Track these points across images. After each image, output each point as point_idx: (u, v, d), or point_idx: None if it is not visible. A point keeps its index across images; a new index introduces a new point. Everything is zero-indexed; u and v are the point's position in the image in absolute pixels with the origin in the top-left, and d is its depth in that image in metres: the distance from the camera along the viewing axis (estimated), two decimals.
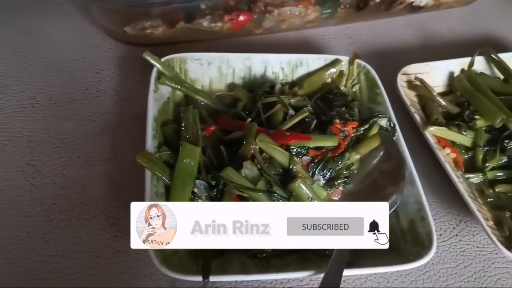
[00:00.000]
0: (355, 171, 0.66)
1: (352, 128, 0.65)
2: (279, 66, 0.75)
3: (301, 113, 0.64)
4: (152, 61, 0.67)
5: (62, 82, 0.73)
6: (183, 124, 0.64)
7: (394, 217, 0.62)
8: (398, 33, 0.93)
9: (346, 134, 0.65)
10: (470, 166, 0.71)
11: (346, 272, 0.52)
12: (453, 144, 0.71)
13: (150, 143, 0.60)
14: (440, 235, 0.65)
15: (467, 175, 0.68)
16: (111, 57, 0.78)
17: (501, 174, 0.69)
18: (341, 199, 0.63)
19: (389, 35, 0.92)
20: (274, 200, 0.56)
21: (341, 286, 0.56)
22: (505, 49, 0.94)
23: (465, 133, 0.71)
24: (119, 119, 0.70)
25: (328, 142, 0.62)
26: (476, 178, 0.68)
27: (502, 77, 0.81)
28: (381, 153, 0.67)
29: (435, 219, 0.66)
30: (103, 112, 0.70)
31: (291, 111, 0.66)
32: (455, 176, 0.64)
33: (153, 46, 0.78)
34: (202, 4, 0.75)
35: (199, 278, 0.50)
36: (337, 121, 0.65)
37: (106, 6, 0.70)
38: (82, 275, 0.55)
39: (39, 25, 0.81)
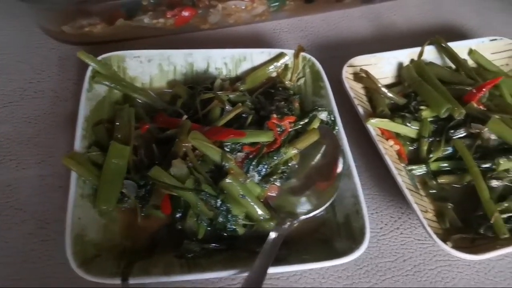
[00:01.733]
0: (296, 166, 0.65)
1: (290, 122, 0.64)
2: (222, 61, 0.73)
3: (235, 108, 0.63)
4: (86, 60, 0.66)
5: None
6: (116, 124, 0.63)
7: (331, 211, 0.61)
8: (352, 25, 0.92)
9: (283, 129, 0.63)
10: (415, 158, 0.70)
11: (273, 270, 0.51)
12: (397, 136, 0.70)
13: (79, 144, 0.59)
14: (381, 228, 0.64)
15: (410, 167, 0.67)
16: (52, 57, 0.77)
17: (446, 165, 0.68)
18: (279, 195, 0.62)
19: (342, 27, 0.91)
20: (202, 199, 0.55)
21: (276, 283, 0.57)
22: (463, 38, 0.92)
23: (409, 124, 0.70)
24: (57, 120, 0.69)
25: (263, 138, 0.61)
26: (419, 170, 0.67)
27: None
28: (324, 147, 0.66)
29: (377, 213, 0.65)
30: (40, 113, 0.69)
31: (228, 107, 0.65)
32: (394, 168, 0.63)
33: (95, 44, 0.77)
34: (144, 1, 0.74)
35: (118, 281, 0.49)
36: (274, 116, 0.64)
37: (41, 6, 0.68)
38: (8, 280, 0.54)
39: None
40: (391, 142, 0.68)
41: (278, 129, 0.63)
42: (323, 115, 0.67)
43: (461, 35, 0.94)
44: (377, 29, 0.92)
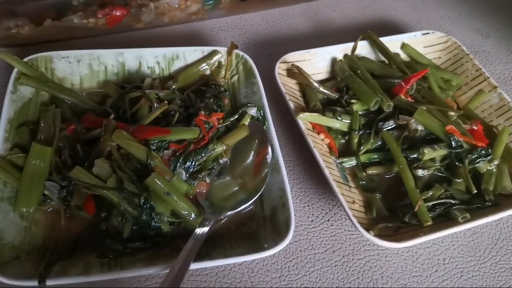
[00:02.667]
0: (228, 162, 0.65)
1: (218, 119, 0.64)
2: (154, 60, 0.73)
3: (161, 106, 0.63)
4: (10, 62, 0.65)
5: None
6: (40, 125, 0.62)
7: (259, 205, 0.62)
8: (291, 22, 0.92)
9: (211, 125, 0.64)
10: (347, 151, 0.71)
11: (194, 266, 0.51)
12: (329, 130, 0.71)
13: (0, 146, 0.58)
14: (312, 221, 0.65)
15: (340, 160, 0.68)
16: None
17: (375, 156, 0.69)
18: (209, 191, 0.62)
19: (281, 24, 0.92)
20: (125, 197, 0.55)
21: (205, 279, 0.56)
22: (400, 32, 0.94)
23: (340, 118, 0.71)
24: None
25: (188, 135, 0.61)
26: (349, 162, 0.68)
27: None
28: (255, 142, 0.66)
29: (308, 206, 0.66)
30: None
31: (156, 105, 0.65)
32: (322, 161, 0.63)
33: (25, 46, 0.75)
34: (74, 1, 0.73)
35: (35, 283, 0.48)
36: (202, 112, 0.64)
37: None
38: None
39: None
40: (322, 136, 0.69)
41: (206, 125, 0.63)
42: (252, 111, 0.67)
43: (398, 30, 0.96)
44: (315, 26, 0.93)
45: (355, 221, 0.57)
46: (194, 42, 0.85)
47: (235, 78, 0.75)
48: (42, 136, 0.61)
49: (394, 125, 0.70)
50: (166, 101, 0.64)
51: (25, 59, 0.67)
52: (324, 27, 0.93)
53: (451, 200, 0.63)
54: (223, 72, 0.75)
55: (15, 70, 0.65)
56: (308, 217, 0.65)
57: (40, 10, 0.72)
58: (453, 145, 0.66)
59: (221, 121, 0.65)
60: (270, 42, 0.88)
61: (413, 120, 0.68)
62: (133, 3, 0.76)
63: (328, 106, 0.73)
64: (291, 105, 0.70)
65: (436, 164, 0.67)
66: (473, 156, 0.66)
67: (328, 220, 0.65)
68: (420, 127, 0.68)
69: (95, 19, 0.75)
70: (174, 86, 0.70)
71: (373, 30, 0.83)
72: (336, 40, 0.83)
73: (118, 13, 0.76)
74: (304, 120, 0.68)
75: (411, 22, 0.98)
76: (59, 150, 0.60)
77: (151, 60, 0.73)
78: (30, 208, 0.55)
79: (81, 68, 0.70)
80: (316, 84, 0.73)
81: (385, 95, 0.71)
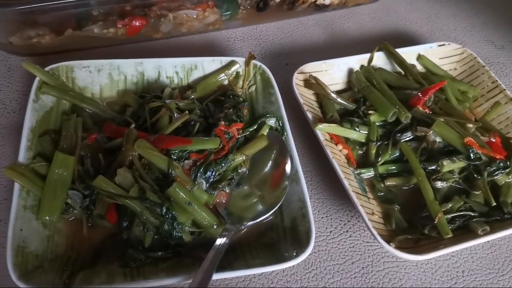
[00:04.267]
0: (246, 172, 0.65)
1: (237, 129, 0.65)
2: (173, 70, 0.74)
3: (182, 116, 0.64)
4: (32, 71, 0.66)
5: None
6: (62, 134, 0.63)
7: (278, 215, 0.62)
8: (306, 32, 0.93)
9: (231, 135, 0.64)
10: (364, 162, 0.71)
11: (217, 276, 0.51)
12: (347, 141, 0.71)
13: (23, 155, 0.59)
14: (330, 232, 0.65)
15: (358, 171, 0.68)
16: (1, 68, 0.76)
17: (393, 167, 0.69)
18: (228, 201, 0.62)
19: (296, 34, 0.92)
20: (147, 207, 0.55)
21: None
22: (414, 43, 0.95)
23: (358, 129, 0.71)
24: (4, 131, 0.68)
25: (209, 145, 0.61)
26: (367, 173, 0.68)
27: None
28: (273, 153, 0.67)
29: (327, 216, 0.66)
30: None
31: (176, 115, 0.65)
32: (341, 172, 0.63)
33: (45, 55, 0.76)
34: (94, 11, 0.74)
35: None
36: (222, 123, 0.64)
37: None
38: None
39: None
40: (340, 147, 0.69)
41: (226, 136, 0.63)
42: (271, 121, 0.68)
43: (413, 41, 0.96)
44: (330, 36, 0.94)
45: (375, 233, 0.58)
46: (211, 52, 0.85)
47: (253, 88, 0.75)
48: (64, 145, 0.61)
49: (411, 137, 0.70)
50: (187, 111, 0.65)
51: (47, 68, 0.67)
52: (339, 38, 0.94)
53: (470, 213, 0.63)
54: (241, 82, 0.75)
55: (37, 79, 0.66)
56: (326, 227, 0.65)
57: (61, 20, 0.73)
58: (472, 157, 0.66)
59: (241, 132, 0.65)
60: (286, 52, 0.88)
61: (431, 131, 0.68)
62: (152, 13, 0.77)
63: (345, 117, 0.73)
64: (309, 115, 0.70)
65: (455, 176, 0.67)
66: (491, 169, 0.66)
67: (347, 231, 0.65)
68: (438, 139, 0.68)
69: (115, 29, 0.76)
70: (193, 96, 0.71)
71: (388, 41, 0.83)
72: (351, 50, 0.83)
73: (137, 24, 0.77)
74: (322, 130, 0.69)
75: (426, 33, 0.98)
76: (81, 159, 0.60)
77: (170, 70, 0.73)
78: (53, 216, 0.56)
79: (102, 77, 0.71)
80: (333, 95, 0.74)
81: (402, 107, 0.71)
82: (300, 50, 0.89)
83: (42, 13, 0.69)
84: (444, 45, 0.85)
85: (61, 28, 0.73)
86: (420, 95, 0.72)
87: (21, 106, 0.71)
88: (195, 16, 0.80)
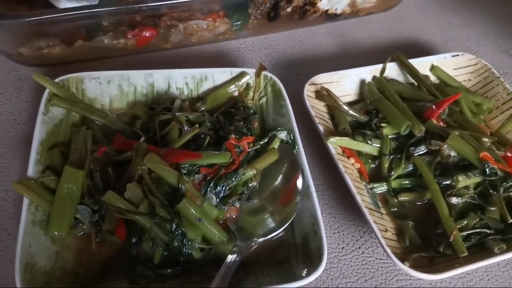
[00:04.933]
0: (256, 186, 0.64)
1: (248, 143, 0.64)
2: (183, 81, 0.73)
3: (192, 130, 0.63)
4: (42, 83, 0.65)
5: None
6: (72, 147, 0.62)
7: (289, 231, 0.61)
8: (317, 42, 0.92)
9: (242, 149, 0.63)
10: (377, 175, 0.70)
11: None
12: (359, 154, 0.70)
13: (32, 169, 0.58)
14: (342, 248, 0.63)
15: (371, 185, 0.67)
16: (12, 79, 0.75)
17: (406, 182, 0.68)
18: (238, 216, 0.61)
19: (307, 44, 0.91)
20: (157, 223, 0.54)
21: None
22: (427, 53, 0.94)
23: (370, 142, 0.70)
24: (13, 143, 0.68)
25: (220, 159, 0.60)
26: (380, 188, 0.67)
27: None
28: (284, 166, 0.66)
29: (338, 232, 0.65)
30: None
31: (186, 128, 0.65)
32: (354, 188, 0.62)
33: (55, 66, 0.76)
34: (104, 21, 0.73)
35: None
36: (233, 136, 0.63)
37: None
38: None
39: None
40: (352, 160, 0.68)
41: (237, 149, 0.62)
42: (282, 135, 0.67)
43: (425, 50, 0.95)
44: (341, 46, 0.93)
45: (389, 251, 0.56)
46: (221, 62, 0.85)
47: (264, 100, 0.74)
48: (73, 158, 0.60)
49: (425, 150, 0.69)
50: (197, 125, 0.64)
51: (57, 80, 0.67)
52: (350, 47, 0.93)
53: (486, 230, 0.62)
54: (251, 94, 0.74)
55: (47, 91, 0.65)
56: (338, 244, 0.64)
57: (71, 30, 0.72)
58: (487, 173, 0.65)
59: (251, 145, 0.65)
60: (297, 62, 0.87)
61: (445, 145, 0.67)
62: (163, 24, 0.76)
63: (357, 129, 0.72)
64: (321, 128, 0.69)
65: (470, 192, 0.65)
66: (507, 184, 0.65)
67: (359, 247, 0.64)
68: (453, 153, 0.67)
69: (125, 39, 0.76)
70: (203, 108, 0.70)
71: (400, 51, 0.82)
72: (363, 60, 0.82)
73: (147, 34, 0.77)
74: (334, 144, 0.68)
75: (438, 43, 0.97)
76: (91, 172, 0.60)
77: (180, 81, 0.73)
78: (62, 232, 0.55)
79: (111, 89, 0.70)
80: (345, 107, 0.72)
81: (416, 120, 0.69)
82: (311, 60, 0.88)
83: (52, 24, 0.69)
84: (458, 55, 0.84)
85: (71, 39, 0.73)
86: (434, 108, 0.71)
87: (31, 117, 0.71)
88: (205, 26, 0.79)
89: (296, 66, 0.86)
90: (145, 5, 0.69)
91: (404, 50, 0.83)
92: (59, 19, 0.66)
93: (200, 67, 0.73)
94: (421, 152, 0.69)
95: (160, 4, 0.70)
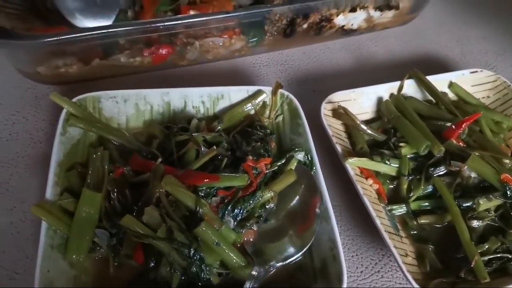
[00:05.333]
0: (274, 208, 0.64)
1: (265, 164, 0.63)
2: (199, 100, 0.73)
3: (209, 152, 0.62)
4: (60, 103, 0.65)
5: None
6: (89, 168, 0.62)
7: (308, 255, 0.60)
8: (333, 57, 0.91)
9: (259, 171, 0.63)
10: (395, 196, 0.69)
11: None
12: (377, 174, 0.69)
13: (50, 191, 0.58)
14: (361, 272, 0.63)
15: (390, 207, 0.66)
16: (29, 97, 0.76)
17: (426, 204, 0.67)
18: (256, 240, 0.61)
19: (323, 59, 0.91)
20: (175, 248, 0.54)
21: None
22: (444, 67, 0.93)
23: (388, 162, 0.69)
24: (30, 163, 0.68)
25: (237, 182, 0.60)
26: (399, 210, 0.66)
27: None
28: (301, 188, 0.65)
29: (357, 255, 0.64)
30: (13, 156, 0.68)
31: (203, 149, 0.64)
32: (373, 210, 0.61)
33: (71, 83, 0.76)
34: (121, 40, 0.73)
35: None
36: (250, 158, 0.63)
37: (12, 47, 0.67)
38: None
39: None
40: (370, 181, 0.67)
41: (254, 171, 0.62)
42: (300, 156, 0.66)
43: (443, 65, 0.94)
44: (357, 61, 0.92)
45: (410, 278, 0.55)
46: (236, 78, 0.84)
47: (280, 118, 0.74)
48: (91, 180, 0.60)
49: (445, 171, 0.68)
50: (214, 147, 0.63)
51: (74, 100, 0.67)
52: (366, 62, 0.92)
53: (508, 255, 0.61)
54: (267, 112, 0.74)
55: (64, 111, 0.65)
56: (357, 267, 0.63)
57: (88, 49, 0.73)
58: (509, 195, 0.64)
59: (269, 167, 0.64)
60: (313, 78, 0.87)
61: (466, 166, 0.66)
62: (179, 41, 0.76)
63: (375, 148, 0.71)
64: (338, 148, 0.69)
65: (491, 214, 0.64)
66: None
67: (378, 271, 0.63)
68: (473, 174, 0.66)
69: (141, 57, 0.76)
70: (219, 127, 0.70)
71: (417, 65, 0.81)
72: (379, 75, 0.82)
73: (164, 52, 0.77)
74: (353, 165, 0.67)
75: (456, 57, 0.96)
76: (108, 194, 0.60)
77: (196, 99, 0.72)
78: (80, 256, 0.55)
79: (128, 107, 0.70)
80: (363, 127, 0.72)
81: (435, 140, 0.68)
82: (326, 76, 0.88)
83: (71, 44, 0.69)
84: (476, 72, 0.83)
85: (89, 58, 0.73)
86: (454, 128, 0.70)
87: (48, 136, 0.71)
88: (221, 44, 0.79)
89: (312, 82, 0.86)
90: (163, 24, 0.70)
91: (420, 65, 0.82)
92: (77, 40, 0.66)
93: (215, 83, 0.73)
94: (441, 173, 0.68)
95: (178, 24, 0.70)
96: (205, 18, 0.72)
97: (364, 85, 0.78)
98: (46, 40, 0.65)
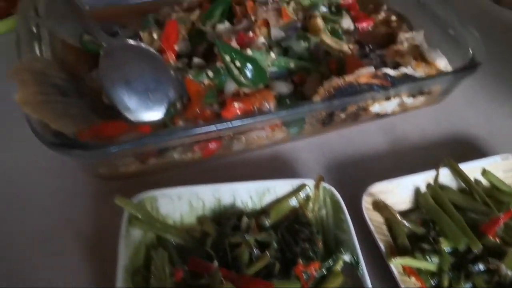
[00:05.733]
0: None
1: (315, 269, 0.67)
2: (247, 195, 0.77)
3: (262, 258, 0.67)
4: (124, 206, 0.70)
5: None
6: (152, 273, 0.67)
7: None
8: (368, 139, 0.96)
9: (309, 274, 0.67)
10: None
11: None
12: (419, 271, 0.73)
13: None
14: None
15: None
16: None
17: None
18: None
19: (359, 142, 0.95)
20: None
21: None
22: (476, 148, 0.97)
23: (429, 258, 0.72)
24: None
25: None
26: None
27: None
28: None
29: None
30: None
31: (255, 251, 0.69)
32: None
33: (125, 179, 0.82)
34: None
35: None
36: (300, 261, 0.67)
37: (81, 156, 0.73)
38: None
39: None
40: (413, 279, 0.71)
41: (305, 275, 0.66)
42: (347, 257, 0.70)
43: (472, 146, 0.97)
44: (392, 142, 0.96)
45: None
46: (277, 165, 0.89)
47: (323, 212, 0.78)
48: (154, 286, 0.65)
49: (484, 268, 0.71)
50: (267, 252, 0.68)
51: (134, 200, 0.72)
52: (400, 143, 0.96)
53: None
54: (311, 205, 0.78)
55: (126, 213, 0.70)
56: None
57: (146, 151, 0.78)
58: None
59: (318, 271, 0.68)
60: (350, 163, 0.91)
61: (503, 264, 0.69)
62: (227, 137, 0.82)
63: (414, 242, 0.75)
64: (381, 245, 0.73)
65: None
66: None
67: None
68: (510, 273, 0.70)
69: (192, 153, 0.81)
70: (267, 223, 0.75)
71: (448, 146, 0.87)
72: (414, 157, 0.87)
73: (212, 146, 0.82)
74: (397, 264, 0.71)
75: (486, 136, 1.00)
76: None
77: (245, 195, 0.77)
78: None
79: (182, 205, 0.75)
80: (404, 222, 0.76)
81: (472, 236, 0.72)
82: (364, 159, 0.92)
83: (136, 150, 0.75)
84: (508, 159, 0.87)
85: (146, 157, 0.78)
86: (491, 224, 0.74)
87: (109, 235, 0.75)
88: (265, 136, 0.84)
89: (350, 167, 0.90)
90: (226, 127, 0.75)
91: (452, 146, 0.86)
92: (141, 147, 0.72)
93: (258, 171, 0.78)
94: (480, 270, 0.71)
95: (232, 127, 0.76)
96: (253, 121, 0.77)
97: (400, 170, 0.82)
98: (113, 149, 0.70)
